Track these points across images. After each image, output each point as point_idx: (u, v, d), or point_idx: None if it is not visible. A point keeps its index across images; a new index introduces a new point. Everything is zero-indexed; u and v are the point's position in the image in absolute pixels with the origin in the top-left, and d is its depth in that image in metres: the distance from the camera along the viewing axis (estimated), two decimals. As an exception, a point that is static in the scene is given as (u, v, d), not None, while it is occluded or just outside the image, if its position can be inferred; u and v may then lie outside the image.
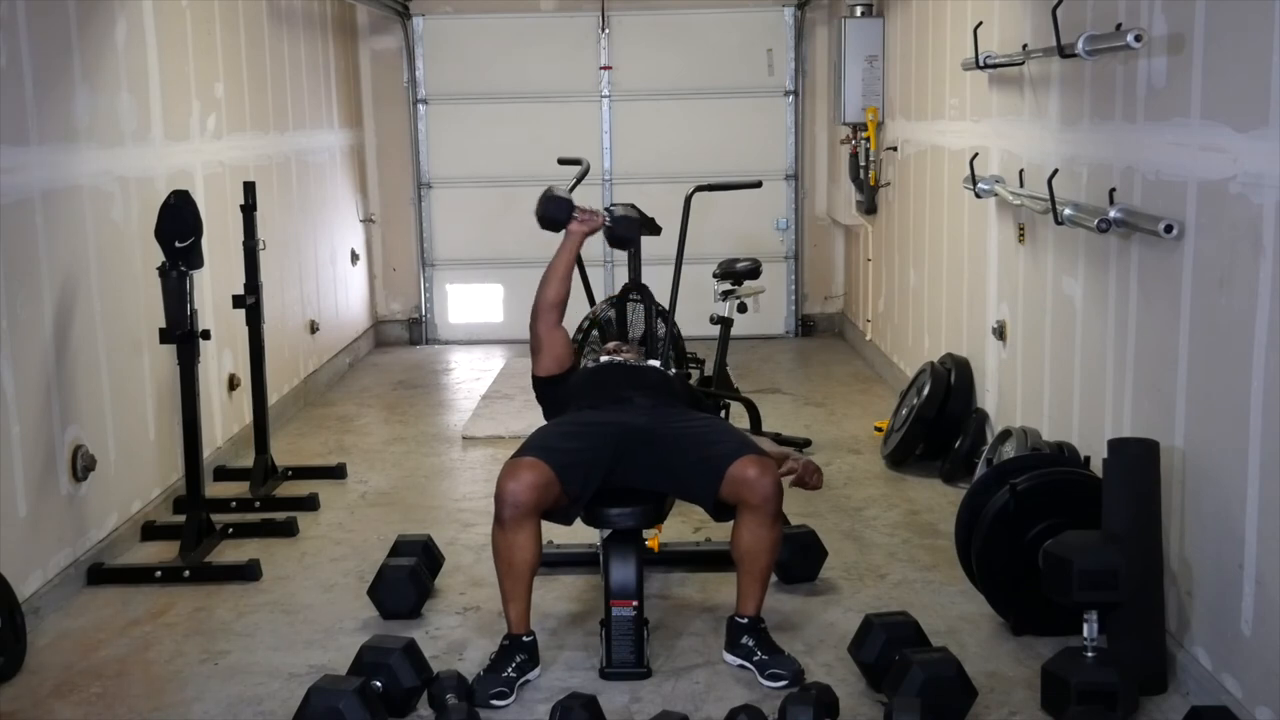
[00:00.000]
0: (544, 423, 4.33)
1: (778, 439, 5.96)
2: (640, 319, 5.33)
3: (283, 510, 5.47)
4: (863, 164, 8.15)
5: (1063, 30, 4.32)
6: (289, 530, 5.27)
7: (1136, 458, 3.68)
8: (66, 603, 4.53)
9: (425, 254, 9.69)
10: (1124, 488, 3.68)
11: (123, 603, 4.57)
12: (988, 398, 5.86)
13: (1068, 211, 4.38)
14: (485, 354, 9.20)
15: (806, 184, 9.62)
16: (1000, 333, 5.61)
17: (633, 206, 5.68)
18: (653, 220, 5.75)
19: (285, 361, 7.24)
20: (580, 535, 4.57)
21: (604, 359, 4.55)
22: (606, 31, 9.36)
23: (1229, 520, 3.46)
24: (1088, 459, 4.42)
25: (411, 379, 8.54)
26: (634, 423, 4.04)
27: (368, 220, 9.46)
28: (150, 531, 5.20)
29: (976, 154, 5.71)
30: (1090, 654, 3.54)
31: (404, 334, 9.78)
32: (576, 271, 5.66)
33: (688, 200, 5.62)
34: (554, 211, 4.36)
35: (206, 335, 5.10)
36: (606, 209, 4.58)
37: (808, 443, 6.48)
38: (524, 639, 3.88)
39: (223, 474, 5.97)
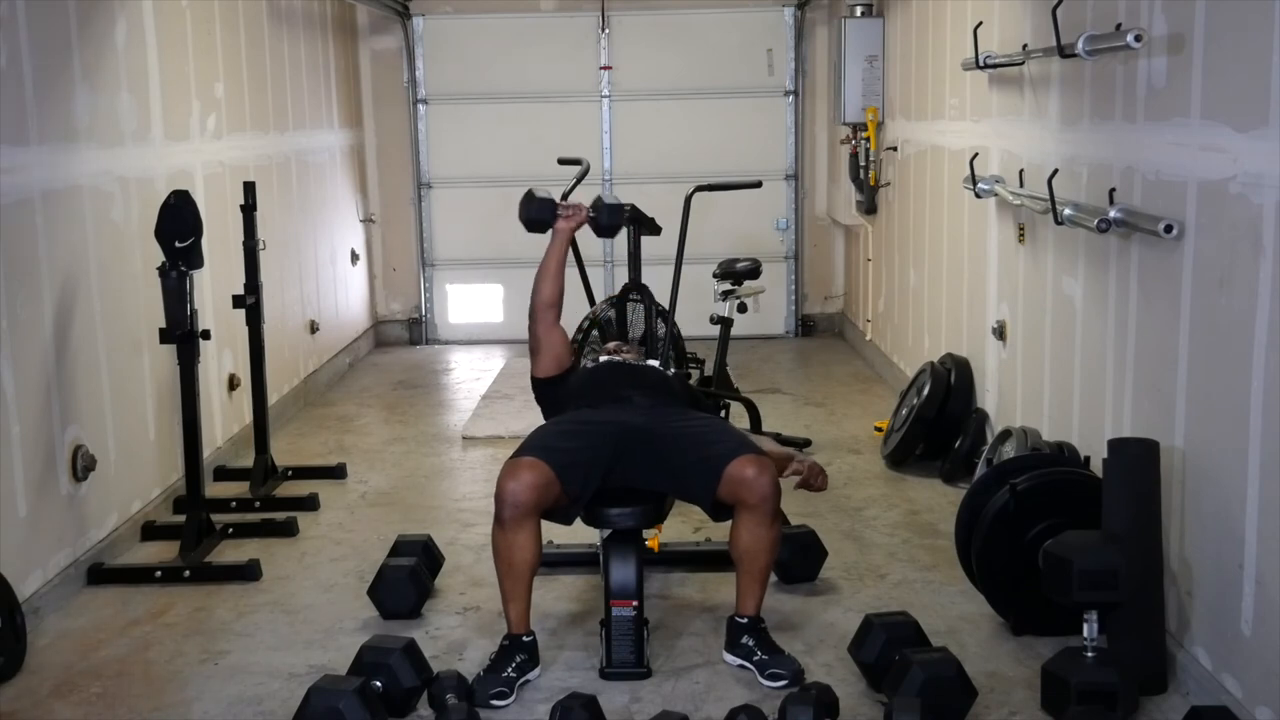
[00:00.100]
0: (543, 422, 4.34)
1: (778, 439, 5.96)
2: (640, 319, 5.33)
3: (283, 510, 5.47)
4: (863, 164, 8.15)
5: (1063, 30, 4.32)
6: (289, 530, 5.27)
7: (1136, 458, 3.68)
8: (66, 603, 4.53)
9: (425, 254, 9.69)
10: (1124, 488, 3.68)
11: (123, 603, 4.57)
12: (988, 398, 5.86)
13: (1068, 211, 4.38)
14: (485, 354, 9.21)
15: (806, 184, 9.62)
16: (1000, 333, 5.61)
17: (633, 206, 5.69)
18: (653, 220, 5.76)
19: (285, 361, 7.24)
20: (580, 535, 4.57)
21: (603, 359, 4.55)
22: (606, 31, 9.36)
23: (1229, 520, 3.46)
24: (1088, 459, 4.42)
25: (411, 379, 8.54)
26: (633, 422, 4.04)
27: (368, 220, 9.46)
28: (150, 531, 5.20)
29: (976, 154, 5.71)
30: (1090, 654, 3.54)
31: (404, 334, 9.78)
32: (576, 272, 5.71)
33: (688, 200, 5.62)
34: (537, 213, 4.36)
35: (206, 335, 5.10)
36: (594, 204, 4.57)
37: (808, 443, 6.48)
38: (524, 639, 3.88)
39: (223, 474, 5.97)
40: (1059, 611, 3.86)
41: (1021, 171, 5.19)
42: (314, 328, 7.91)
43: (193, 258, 4.82)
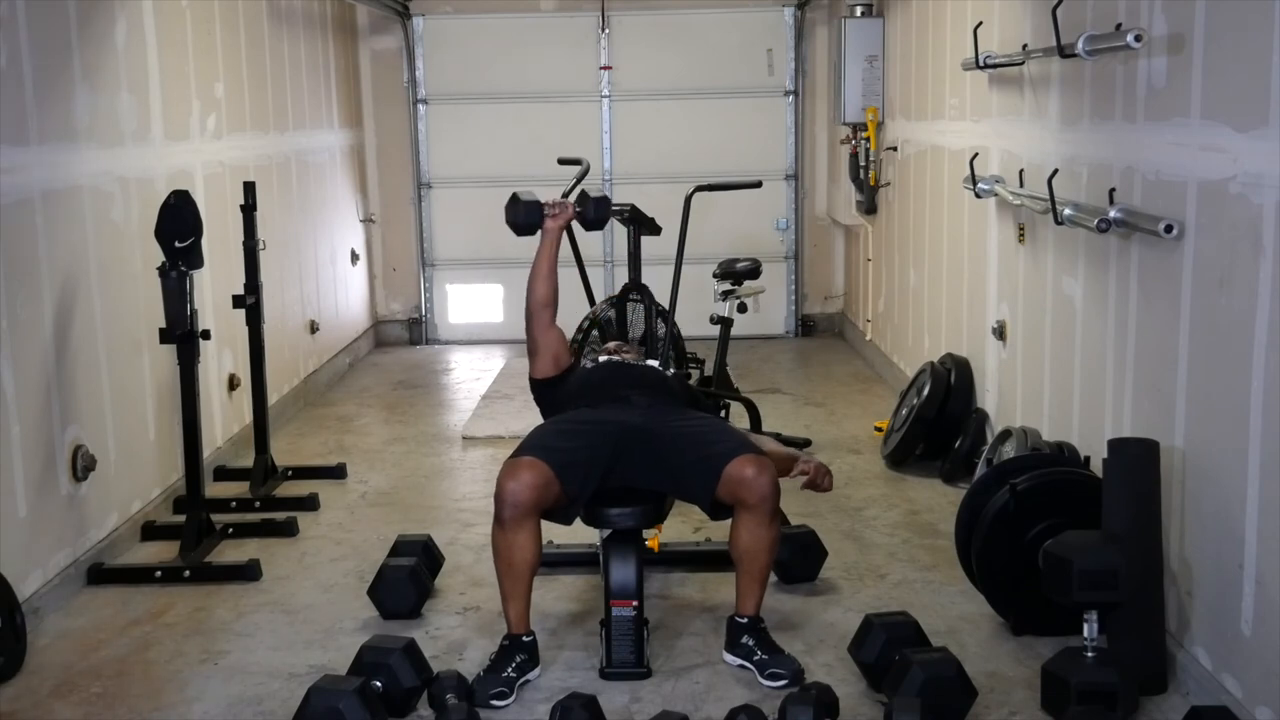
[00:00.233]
0: (543, 422, 4.33)
1: (778, 439, 5.96)
2: (640, 319, 5.33)
3: (283, 510, 5.47)
4: (863, 164, 8.15)
5: (1063, 30, 4.32)
6: (289, 530, 5.27)
7: (1136, 458, 3.68)
8: (66, 603, 4.53)
9: (425, 254, 9.69)
10: (1124, 488, 3.68)
11: (123, 603, 4.57)
12: (988, 398, 5.86)
13: (1068, 211, 4.38)
14: (485, 354, 9.21)
15: (806, 184, 9.62)
16: (1000, 333, 5.61)
17: (633, 206, 5.69)
18: (653, 220, 5.76)
19: (285, 361, 7.24)
20: (580, 535, 4.58)
21: (603, 358, 4.55)
22: (606, 31, 9.36)
23: (1229, 520, 3.46)
24: (1088, 459, 4.42)
25: (411, 379, 8.54)
26: (632, 422, 4.04)
27: (368, 220, 9.46)
28: (150, 531, 5.20)
29: (976, 154, 5.71)
30: (1090, 654, 3.54)
31: (404, 334, 9.78)
32: (576, 272, 5.71)
33: (688, 200, 5.62)
34: (525, 217, 4.35)
35: (206, 335, 5.10)
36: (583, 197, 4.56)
37: (808, 443, 6.48)
38: (524, 639, 3.88)
39: (223, 474, 5.97)
40: (1059, 611, 3.86)
41: (1021, 171, 5.19)
42: (314, 328, 7.91)
43: (193, 258, 4.82)
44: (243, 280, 5.76)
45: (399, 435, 7.01)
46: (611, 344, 4.85)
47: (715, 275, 6.78)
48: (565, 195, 5.28)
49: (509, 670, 3.80)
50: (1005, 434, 5.22)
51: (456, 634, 4.28)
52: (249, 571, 4.79)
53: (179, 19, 5.91)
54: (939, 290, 6.73)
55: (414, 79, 9.44)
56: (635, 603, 3.88)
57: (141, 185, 5.35)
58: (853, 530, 5.22)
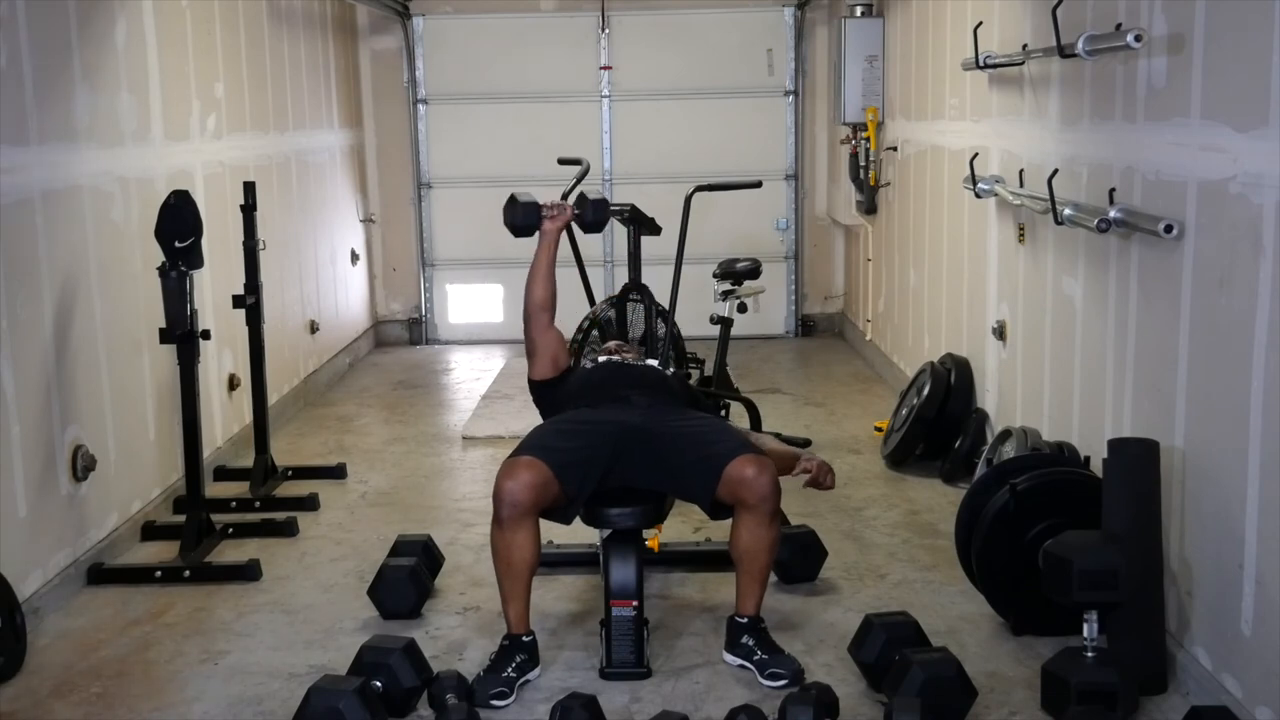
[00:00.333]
0: (542, 422, 4.33)
1: (778, 439, 5.96)
2: (640, 319, 5.33)
3: (283, 510, 5.47)
4: (863, 164, 8.15)
5: (1063, 30, 4.32)
6: (289, 530, 5.27)
7: (1136, 458, 3.68)
8: (66, 603, 4.53)
9: (425, 254, 9.69)
10: (1124, 488, 3.67)
11: (123, 603, 4.57)
12: (988, 398, 5.86)
13: (1068, 211, 4.38)
14: (485, 354, 9.21)
15: (806, 184, 9.62)
16: (1000, 333, 5.61)
17: (633, 206, 5.69)
18: (653, 220, 5.76)
19: (285, 361, 7.24)
20: (580, 535, 4.58)
21: (602, 358, 4.55)
22: (606, 31, 9.36)
23: (1229, 520, 3.46)
24: (1088, 459, 4.42)
25: (411, 379, 8.54)
26: (631, 422, 4.04)
27: (368, 220, 9.46)
28: (150, 531, 5.20)
29: (976, 154, 5.71)
30: (1090, 654, 3.54)
31: (404, 334, 9.78)
32: (576, 272, 5.71)
33: (688, 200, 5.62)
34: (523, 219, 4.35)
35: (206, 335, 5.10)
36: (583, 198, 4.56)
37: (808, 442, 6.48)
38: (524, 639, 3.88)
39: (223, 474, 5.97)
40: (1059, 611, 3.86)
41: (1021, 171, 5.19)
42: (314, 328, 7.90)
43: (193, 258, 4.82)
44: (243, 280, 5.76)
45: (399, 435, 7.01)
46: (611, 343, 4.84)
47: (715, 275, 6.78)
48: (565, 196, 5.28)
49: (509, 670, 3.80)
50: (1005, 434, 5.21)
51: (456, 634, 4.28)
52: (249, 571, 4.79)
53: (179, 19, 5.91)
54: (939, 290, 6.73)
55: (414, 79, 9.44)
56: (635, 603, 3.88)
57: (141, 185, 5.35)
58: (853, 530, 5.22)
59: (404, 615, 4.36)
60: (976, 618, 4.28)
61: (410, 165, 9.55)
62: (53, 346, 4.61)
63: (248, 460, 5.99)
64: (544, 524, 3.91)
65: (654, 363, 4.67)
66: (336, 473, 6.13)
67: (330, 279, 8.43)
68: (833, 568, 4.75)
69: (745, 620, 3.96)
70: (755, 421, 6.29)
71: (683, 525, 5.20)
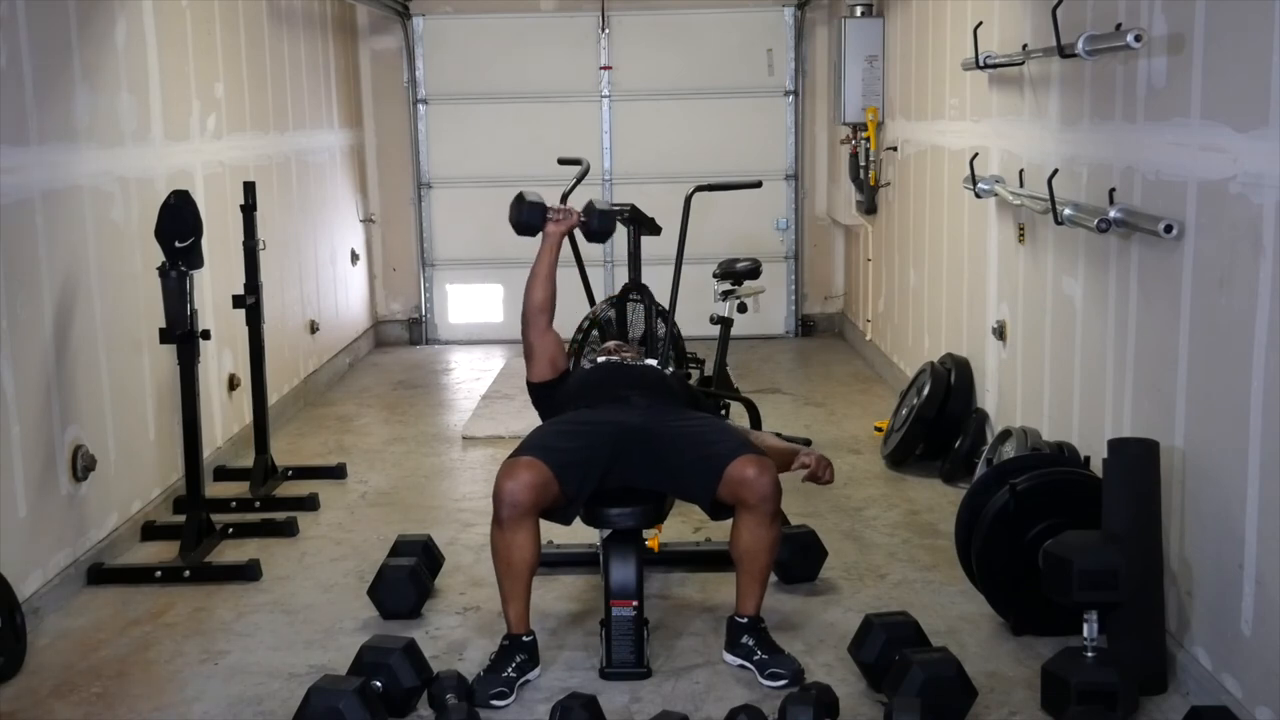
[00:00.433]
0: (542, 423, 4.33)
1: (778, 438, 5.96)
2: (640, 319, 5.34)
3: (283, 510, 5.47)
4: (863, 164, 8.15)
5: (1063, 30, 4.32)
6: (289, 530, 5.27)
7: (1136, 458, 3.68)
8: (66, 603, 4.53)
9: (425, 254, 9.69)
10: (1124, 488, 3.67)
11: (123, 603, 4.57)
12: (988, 398, 5.86)
13: (1068, 211, 4.38)
14: (485, 354, 9.21)
15: (806, 184, 9.62)
16: (1000, 333, 5.61)
17: (633, 206, 5.69)
18: (652, 220, 5.76)
19: (285, 361, 7.24)
20: (580, 535, 4.57)
21: (600, 359, 4.55)
22: (606, 31, 9.36)
23: (1229, 520, 3.46)
24: (1088, 459, 4.42)
25: (411, 379, 8.54)
26: (631, 422, 4.04)
27: (368, 220, 9.46)
28: (150, 531, 5.20)
29: (976, 154, 5.71)
30: (1090, 654, 3.54)
31: (404, 334, 9.78)
32: (576, 272, 5.71)
33: (688, 200, 5.62)
34: (528, 216, 4.35)
35: (206, 335, 5.09)
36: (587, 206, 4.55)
37: (808, 442, 6.46)
38: (524, 639, 3.88)
39: (223, 474, 5.97)
40: (1059, 611, 3.86)
41: (1021, 171, 5.19)
42: (314, 328, 7.90)
43: (193, 258, 4.82)
44: (243, 280, 5.76)
45: (399, 435, 7.01)
46: (610, 343, 4.84)
47: (715, 275, 6.78)
48: (565, 196, 5.29)
49: (509, 670, 3.80)
50: (1005, 434, 5.21)
51: (456, 634, 4.28)
52: (249, 571, 4.79)
53: (179, 19, 5.91)
54: (939, 290, 6.73)
55: (414, 79, 9.44)
56: (635, 603, 3.88)
57: (141, 185, 5.35)
58: (853, 530, 5.22)
59: (404, 615, 4.36)
60: (976, 618, 4.28)
61: (410, 165, 9.55)
62: (53, 346, 4.61)
63: (248, 460, 5.99)
64: (544, 524, 3.91)
65: (653, 362, 4.66)
66: (336, 473, 6.13)
67: (330, 279, 8.43)
68: (833, 568, 4.75)
69: (745, 620, 3.96)
70: (755, 421, 6.29)
71: (683, 525, 5.20)
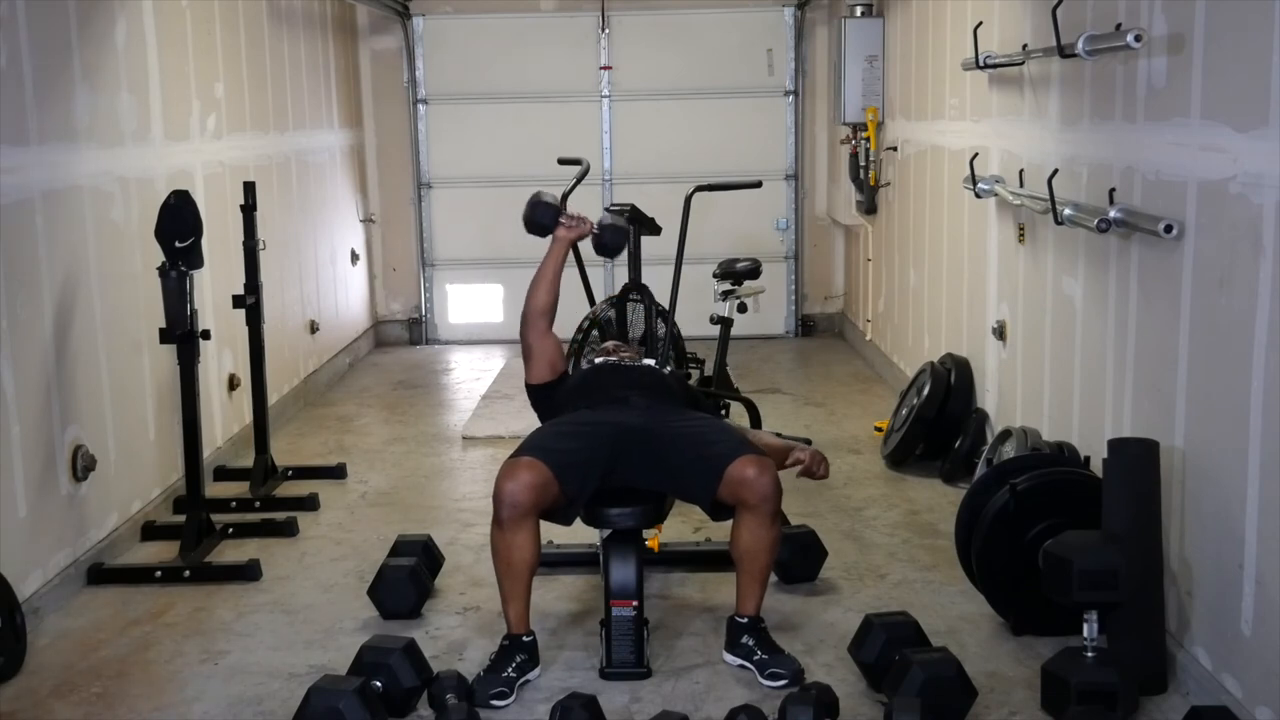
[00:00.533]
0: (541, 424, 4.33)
1: (777, 438, 5.96)
2: (640, 319, 5.33)
3: (283, 510, 5.47)
4: (863, 164, 8.15)
5: (1063, 30, 4.32)
6: (289, 530, 5.27)
7: (1136, 458, 3.68)
8: (66, 603, 4.53)
9: (425, 254, 9.69)
10: (1124, 488, 3.67)
11: (123, 603, 4.57)
12: (988, 398, 5.86)
13: (1068, 211, 4.38)
14: (485, 354, 9.21)
15: (806, 184, 9.62)
16: (1000, 333, 5.61)
17: (633, 206, 5.69)
18: (652, 220, 5.76)
19: (285, 361, 7.24)
20: (580, 535, 4.57)
21: (599, 360, 4.54)
22: (606, 31, 9.36)
23: (1229, 520, 3.46)
24: (1088, 459, 4.42)
25: (411, 379, 8.54)
26: (631, 423, 4.04)
27: (368, 220, 9.46)
28: (150, 531, 5.20)
29: (976, 154, 5.71)
30: (1090, 654, 3.54)
31: (404, 334, 9.78)
32: (577, 272, 5.71)
33: (688, 200, 5.62)
34: (540, 217, 4.34)
35: (206, 335, 5.09)
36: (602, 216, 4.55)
37: (808, 442, 6.46)
38: (524, 639, 3.88)
39: (223, 474, 5.97)
40: (1059, 611, 3.86)
41: (1021, 171, 5.19)
42: (314, 328, 7.91)
43: (193, 258, 4.82)
44: (243, 280, 5.76)
45: (399, 435, 7.01)
46: (609, 344, 4.84)
47: (715, 275, 6.78)
48: (565, 195, 5.28)
49: (509, 670, 3.80)
50: (1005, 434, 5.21)
51: (456, 634, 4.28)
52: (249, 571, 4.79)
53: (179, 19, 5.91)
54: (939, 290, 6.73)
55: (414, 79, 9.44)
56: (635, 603, 3.88)
57: (141, 185, 5.35)
58: (853, 530, 5.22)
59: (404, 615, 4.36)
60: (976, 618, 4.28)
61: (410, 165, 9.55)
62: (53, 346, 4.61)
63: (248, 460, 5.99)
64: (544, 524, 3.91)
65: (651, 362, 4.66)
66: (336, 473, 6.13)
67: (330, 279, 8.43)
68: (833, 568, 4.75)
69: (745, 620, 3.96)
70: (755, 421, 6.29)
71: (683, 525, 5.20)
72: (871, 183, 8.10)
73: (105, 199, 5.07)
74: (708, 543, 4.94)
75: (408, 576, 4.40)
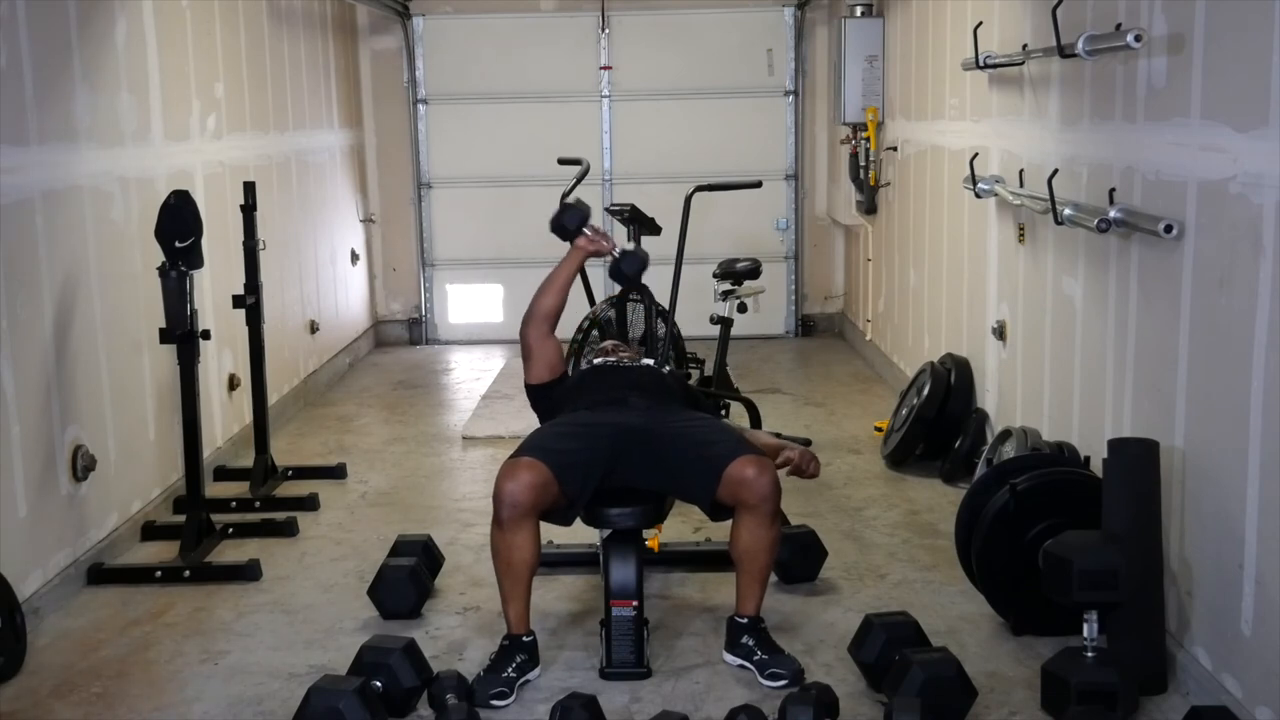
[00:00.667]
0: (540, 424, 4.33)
1: (777, 439, 5.96)
2: (640, 319, 5.34)
3: (283, 510, 5.47)
4: (863, 164, 8.15)
5: (1063, 30, 4.32)
6: (289, 530, 5.27)
7: (1136, 458, 3.68)
8: (66, 603, 4.53)
9: (425, 254, 9.69)
10: (1124, 488, 3.67)
11: (123, 603, 4.57)
12: (988, 398, 5.86)
13: (1068, 211, 4.38)
14: (485, 354, 9.21)
15: (806, 184, 9.62)
16: (1000, 333, 5.61)
17: (633, 206, 5.70)
18: (652, 220, 5.77)
19: (285, 361, 7.24)
20: (580, 535, 4.57)
21: (598, 360, 4.54)
22: (606, 31, 9.36)
23: (1229, 520, 3.46)
24: (1088, 459, 4.42)
25: (411, 379, 8.54)
26: (630, 423, 4.04)
27: (368, 220, 9.46)
28: (150, 531, 5.20)
29: (976, 154, 5.71)
30: (1090, 654, 3.54)
31: (404, 334, 9.78)
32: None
33: (688, 200, 5.62)
34: (566, 221, 4.34)
35: (206, 335, 5.10)
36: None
37: (808, 442, 6.47)
38: (524, 639, 3.88)
39: (223, 474, 5.97)
40: (1059, 611, 3.86)
41: (1021, 171, 5.19)
42: (314, 328, 7.90)
43: (193, 258, 4.82)
44: (243, 280, 5.76)
45: (399, 435, 7.01)
46: (608, 344, 4.84)
47: (715, 275, 6.78)
48: (565, 195, 5.29)
49: (509, 670, 3.80)
50: (1005, 434, 5.21)
51: (456, 634, 4.28)
52: (249, 571, 4.79)
53: (179, 19, 5.91)
54: (939, 290, 6.73)
55: (414, 79, 9.44)
56: (635, 603, 3.88)
57: (141, 185, 5.35)
58: (853, 530, 5.22)
59: (404, 615, 4.36)
60: (976, 618, 4.28)
61: (410, 165, 9.55)
62: (53, 346, 4.61)
63: (248, 460, 5.99)
64: (544, 524, 3.91)
65: (651, 362, 4.66)
66: (336, 473, 6.13)
67: (330, 279, 8.43)
68: (833, 568, 4.75)
69: (745, 620, 3.96)
70: (755, 421, 6.29)
71: (683, 525, 5.19)
72: (871, 183, 8.10)
73: (105, 199, 5.07)
74: (708, 543, 4.94)
75: (408, 576, 4.40)
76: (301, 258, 7.74)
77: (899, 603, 4.40)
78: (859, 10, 8.18)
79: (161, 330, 4.89)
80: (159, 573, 4.78)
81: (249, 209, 5.71)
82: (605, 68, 9.41)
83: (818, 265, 9.73)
